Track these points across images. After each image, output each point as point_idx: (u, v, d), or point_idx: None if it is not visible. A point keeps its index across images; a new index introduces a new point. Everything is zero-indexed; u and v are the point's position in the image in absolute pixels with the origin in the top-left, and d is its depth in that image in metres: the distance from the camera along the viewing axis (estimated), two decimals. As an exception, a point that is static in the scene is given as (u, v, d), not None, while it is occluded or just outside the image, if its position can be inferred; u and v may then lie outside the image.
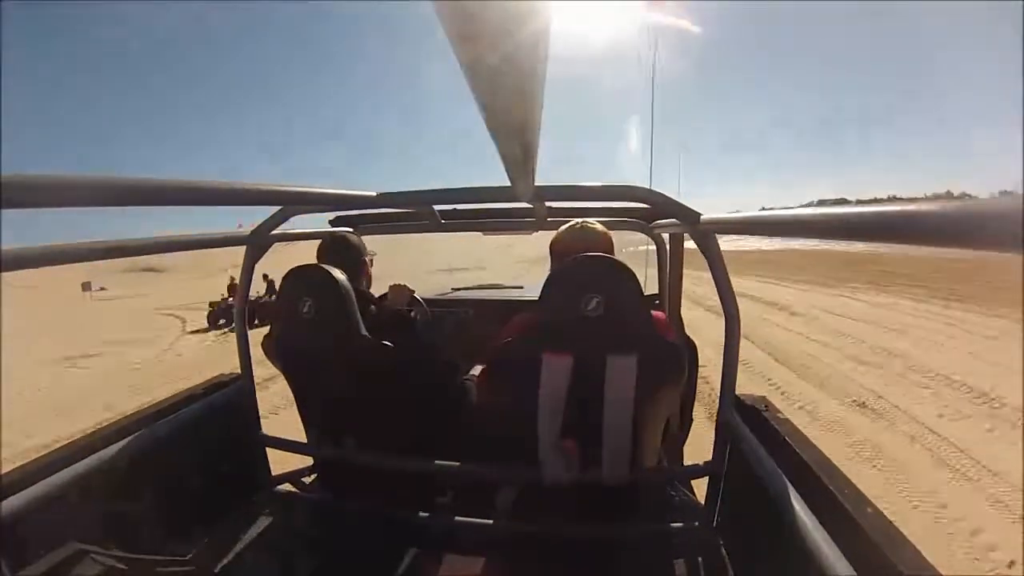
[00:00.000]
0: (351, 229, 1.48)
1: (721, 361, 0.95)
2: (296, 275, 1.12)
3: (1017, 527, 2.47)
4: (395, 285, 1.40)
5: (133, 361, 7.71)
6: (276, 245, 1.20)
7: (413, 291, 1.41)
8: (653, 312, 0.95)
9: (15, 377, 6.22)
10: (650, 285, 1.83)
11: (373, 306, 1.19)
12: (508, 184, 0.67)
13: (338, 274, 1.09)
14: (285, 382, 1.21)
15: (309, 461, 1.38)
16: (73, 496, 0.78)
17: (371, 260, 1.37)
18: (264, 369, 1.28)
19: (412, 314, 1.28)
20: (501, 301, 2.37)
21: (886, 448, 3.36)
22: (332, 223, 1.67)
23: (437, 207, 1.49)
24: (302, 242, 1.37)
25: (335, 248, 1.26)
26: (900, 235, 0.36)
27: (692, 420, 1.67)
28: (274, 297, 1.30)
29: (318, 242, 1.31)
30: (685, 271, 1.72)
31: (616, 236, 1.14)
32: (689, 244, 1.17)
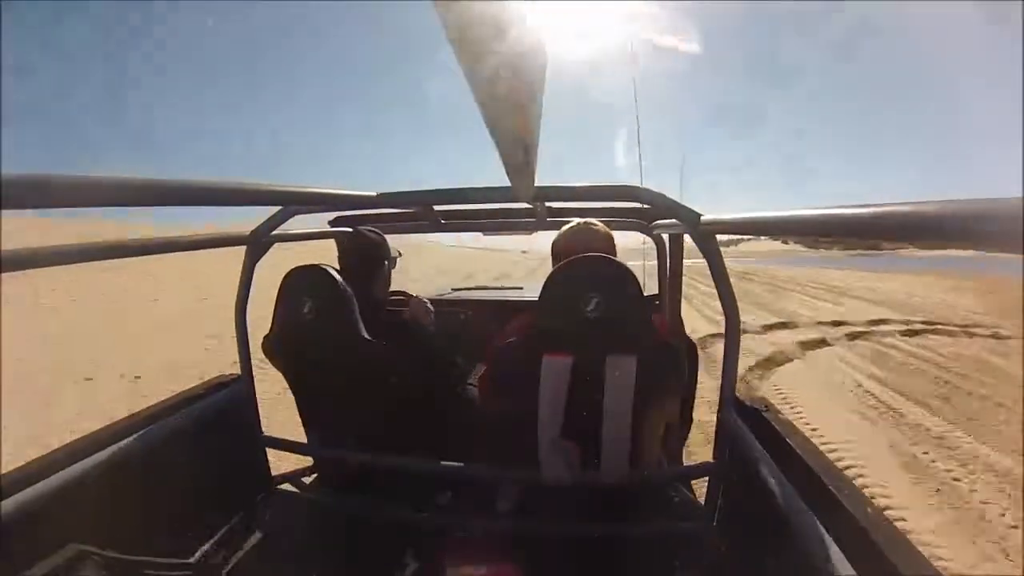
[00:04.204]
0: (350, 229, 1.48)
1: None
2: (296, 276, 1.12)
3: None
4: (416, 300, 1.41)
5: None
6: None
7: (432, 310, 1.41)
8: (653, 313, 0.95)
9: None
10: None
11: (382, 310, 1.19)
12: (508, 184, 0.67)
13: (337, 275, 1.09)
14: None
15: (309, 461, 1.38)
16: (73, 497, 0.78)
17: (395, 260, 1.36)
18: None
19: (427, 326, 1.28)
20: (501, 302, 2.37)
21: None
22: (332, 223, 1.68)
23: (437, 207, 1.49)
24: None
25: (352, 247, 1.26)
26: (900, 235, 0.36)
27: (692, 420, 1.67)
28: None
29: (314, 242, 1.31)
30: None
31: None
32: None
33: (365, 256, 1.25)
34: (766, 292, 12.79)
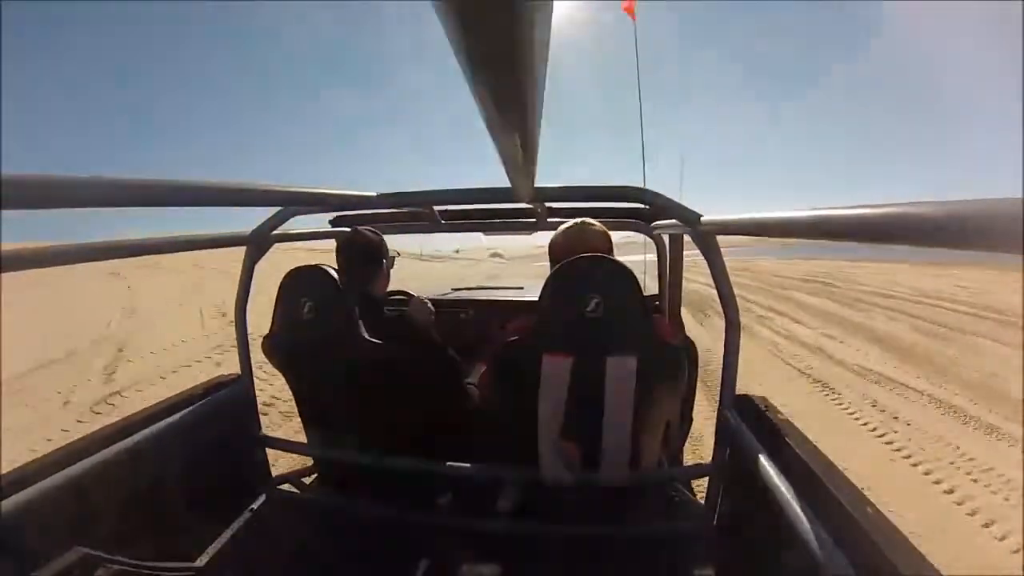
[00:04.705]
0: (349, 229, 1.49)
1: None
2: (296, 276, 1.12)
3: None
4: (417, 299, 1.41)
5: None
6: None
7: (432, 311, 1.41)
8: (653, 313, 0.95)
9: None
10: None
11: (385, 308, 1.19)
12: (508, 184, 0.67)
13: (337, 276, 1.10)
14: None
15: (309, 461, 1.38)
16: (72, 497, 0.78)
17: (392, 260, 1.37)
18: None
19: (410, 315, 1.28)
20: (501, 302, 2.37)
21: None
22: (332, 223, 1.68)
23: (437, 207, 1.49)
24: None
25: (351, 247, 1.26)
26: (901, 236, 0.36)
27: (692, 420, 1.67)
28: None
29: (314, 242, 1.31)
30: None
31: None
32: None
33: (364, 255, 1.25)
34: (890, 322, 7.32)
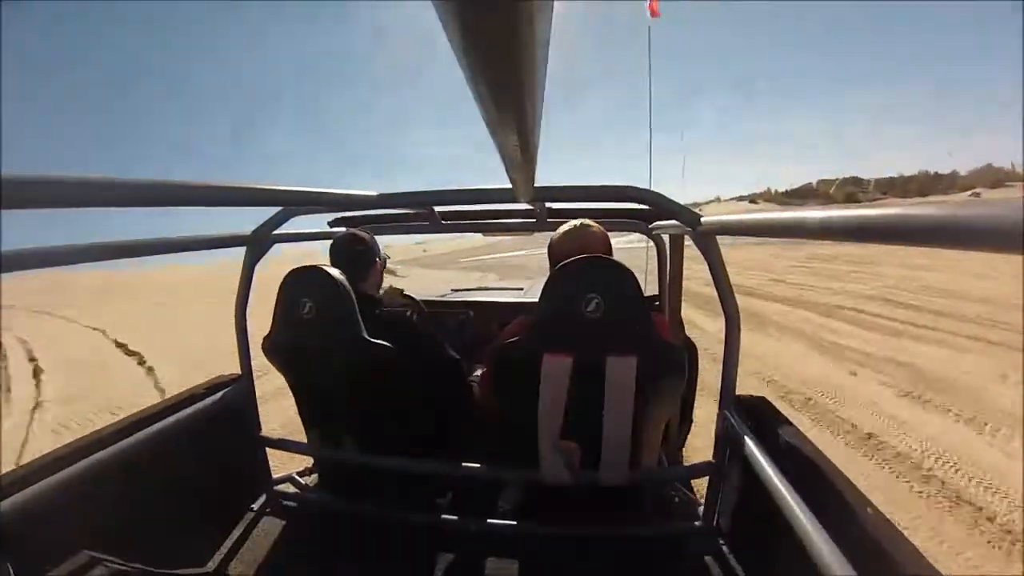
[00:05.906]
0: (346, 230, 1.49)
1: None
2: (296, 276, 1.12)
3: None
4: (390, 288, 1.41)
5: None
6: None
7: (402, 290, 1.42)
8: (653, 313, 0.95)
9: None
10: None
11: (379, 309, 1.19)
12: (508, 185, 0.67)
13: (337, 275, 1.09)
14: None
15: (309, 461, 1.38)
16: (71, 497, 0.78)
17: (384, 262, 1.37)
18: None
19: (409, 314, 1.28)
20: (501, 303, 2.37)
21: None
22: (332, 224, 1.67)
23: (437, 208, 1.49)
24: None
25: (345, 247, 1.26)
26: (901, 236, 0.36)
27: (692, 420, 1.67)
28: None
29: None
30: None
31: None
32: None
33: (356, 255, 1.25)
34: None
